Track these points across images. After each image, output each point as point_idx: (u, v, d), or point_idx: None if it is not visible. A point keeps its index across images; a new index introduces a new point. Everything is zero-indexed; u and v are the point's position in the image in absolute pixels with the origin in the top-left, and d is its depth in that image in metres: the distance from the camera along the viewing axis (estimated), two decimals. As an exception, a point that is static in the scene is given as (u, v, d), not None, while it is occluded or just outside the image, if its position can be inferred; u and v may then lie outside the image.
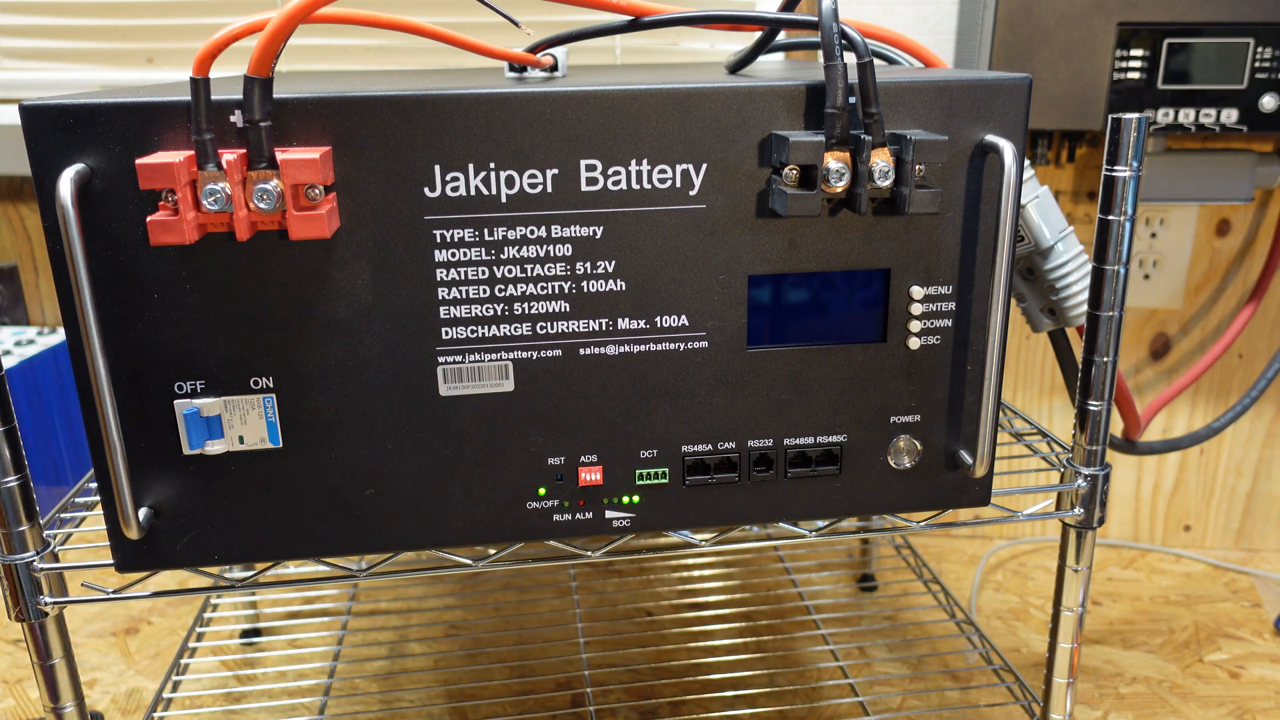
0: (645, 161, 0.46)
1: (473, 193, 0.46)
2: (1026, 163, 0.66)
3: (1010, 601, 1.03)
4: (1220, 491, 1.11)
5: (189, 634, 0.85)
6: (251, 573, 0.61)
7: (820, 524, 0.58)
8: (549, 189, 0.46)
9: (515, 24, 0.51)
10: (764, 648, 0.93)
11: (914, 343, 0.51)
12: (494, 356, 0.49)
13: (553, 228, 0.47)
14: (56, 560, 0.51)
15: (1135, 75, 0.81)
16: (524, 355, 0.49)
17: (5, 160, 0.86)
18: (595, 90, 0.45)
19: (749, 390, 0.51)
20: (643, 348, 0.50)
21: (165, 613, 1.01)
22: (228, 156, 0.42)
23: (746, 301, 0.49)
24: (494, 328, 0.48)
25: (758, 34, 0.59)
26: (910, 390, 0.52)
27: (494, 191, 0.46)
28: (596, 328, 0.49)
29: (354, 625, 0.96)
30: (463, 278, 0.47)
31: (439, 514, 0.51)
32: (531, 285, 0.48)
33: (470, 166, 0.45)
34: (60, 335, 0.83)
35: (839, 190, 0.46)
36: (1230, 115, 0.80)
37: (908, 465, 0.54)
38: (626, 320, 0.49)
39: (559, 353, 0.49)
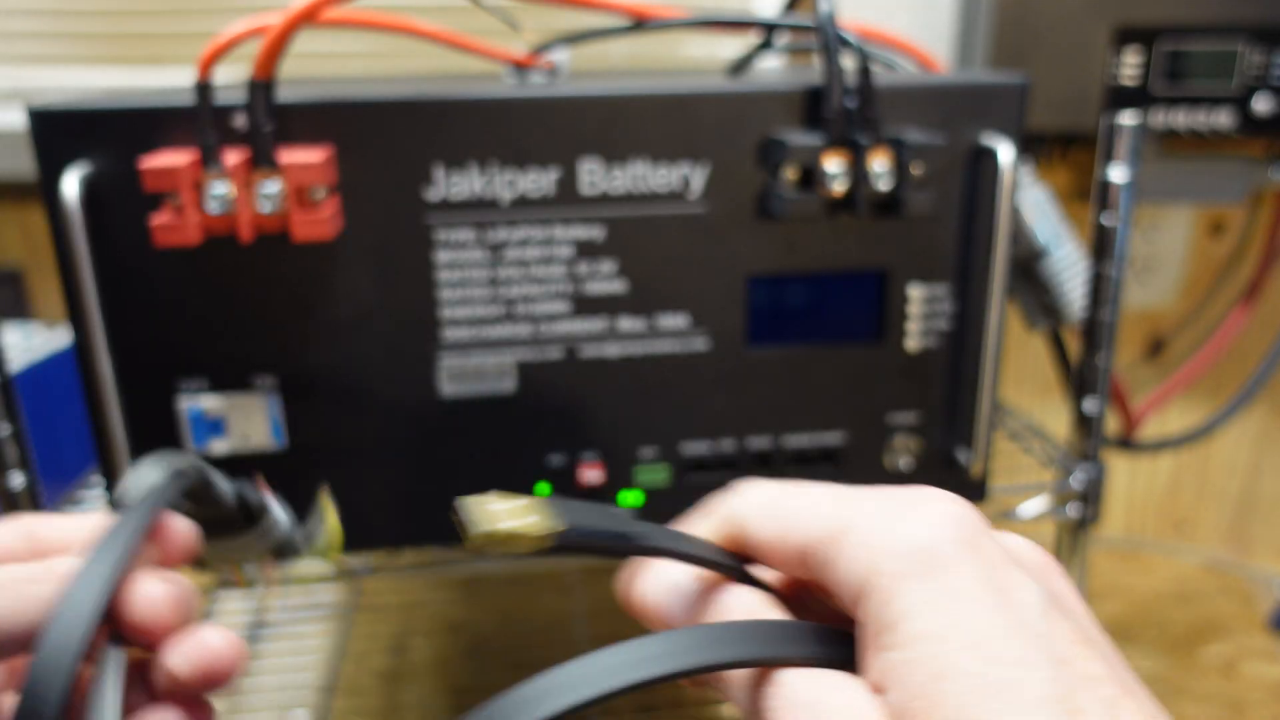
0: (646, 163, 0.47)
1: (475, 195, 0.46)
2: (1026, 164, 0.66)
3: (1006, 599, 1.03)
4: (1214, 490, 1.11)
5: (189, 633, 0.85)
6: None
7: (818, 523, 0.59)
8: (550, 191, 0.47)
9: (514, 28, 0.51)
10: (762, 646, 0.93)
11: (912, 343, 0.52)
12: (495, 357, 0.49)
13: (554, 229, 0.47)
14: (60, 560, 0.51)
15: (1129, 77, 0.81)
16: (525, 356, 0.49)
17: (12, 162, 0.86)
18: (596, 93, 0.46)
19: (748, 389, 0.51)
20: (643, 348, 0.50)
21: (164, 612, 1.01)
22: (231, 159, 0.42)
23: (746, 302, 0.50)
24: (495, 328, 0.49)
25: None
26: (907, 389, 0.53)
27: (496, 193, 0.46)
28: (597, 328, 0.49)
29: (357, 622, 0.96)
30: (464, 279, 0.47)
31: (441, 512, 0.51)
32: (533, 286, 0.48)
33: (472, 168, 0.46)
34: (66, 335, 0.83)
35: (838, 192, 0.47)
36: (1223, 118, 0.80)
37: (905, 464, 0.54)
38: (627, 321, 0.49)
39: (560, 353, 0.49)
